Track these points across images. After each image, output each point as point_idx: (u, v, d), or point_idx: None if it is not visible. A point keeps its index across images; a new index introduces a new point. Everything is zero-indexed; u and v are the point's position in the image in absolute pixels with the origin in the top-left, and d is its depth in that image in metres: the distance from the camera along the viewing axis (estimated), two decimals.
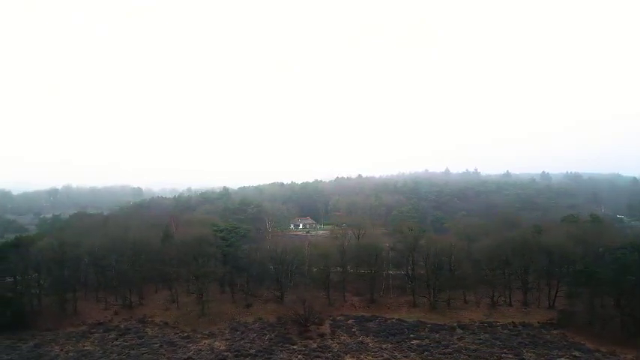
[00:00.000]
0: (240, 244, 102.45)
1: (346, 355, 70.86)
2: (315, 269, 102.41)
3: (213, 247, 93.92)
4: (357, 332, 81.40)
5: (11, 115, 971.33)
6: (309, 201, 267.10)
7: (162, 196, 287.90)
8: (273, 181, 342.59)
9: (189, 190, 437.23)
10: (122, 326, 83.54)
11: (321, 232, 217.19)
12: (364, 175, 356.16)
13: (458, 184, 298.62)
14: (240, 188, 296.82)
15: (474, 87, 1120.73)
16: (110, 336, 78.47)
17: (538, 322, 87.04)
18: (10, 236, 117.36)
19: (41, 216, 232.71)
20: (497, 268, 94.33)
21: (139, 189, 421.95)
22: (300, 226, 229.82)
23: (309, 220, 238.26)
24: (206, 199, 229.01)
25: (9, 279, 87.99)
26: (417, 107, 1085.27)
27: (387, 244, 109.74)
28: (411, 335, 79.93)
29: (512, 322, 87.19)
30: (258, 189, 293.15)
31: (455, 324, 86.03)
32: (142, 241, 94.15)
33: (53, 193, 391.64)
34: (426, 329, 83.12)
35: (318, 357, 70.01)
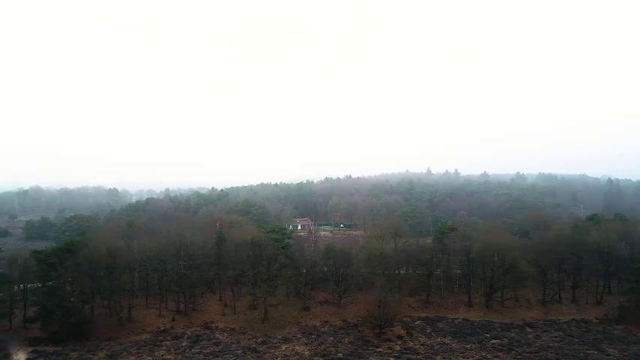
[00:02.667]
0: (291, 246, 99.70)
1: (436, 356, 70.08)
2: (363, 270, 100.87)
3: (270, 248, 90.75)
4: (432, 333, 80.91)
5: None
6: (304, 201, 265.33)
7: (153, 197, 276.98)
8: (261, 182, 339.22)
9: (167, 190, 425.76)
10: (188, 333, 79.52)
11: (322, 232, 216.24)
12: (352, 175, 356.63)
13: (449, 185, 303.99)
14: (231, 188, 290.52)
15: (456, 91, 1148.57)
16: (183, 344, 74.43)
17: (596, 319, 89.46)
18: None
19: (28, 219, 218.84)
20: (553, 266, 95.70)
21: (115, 190, 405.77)
22: (299, 227, 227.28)
23: (308, 221, 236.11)
24: (206, 200, 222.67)
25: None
26: (398, 110, 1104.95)
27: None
28: (486, 335, 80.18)
29: (573, 318, 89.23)
30: (252, 190, 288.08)
31: (520, 322, 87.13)
32: (196, 244, 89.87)
33: (22, 194, 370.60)
34: (497, 328, 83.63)
35: (411, 359, 68.97)
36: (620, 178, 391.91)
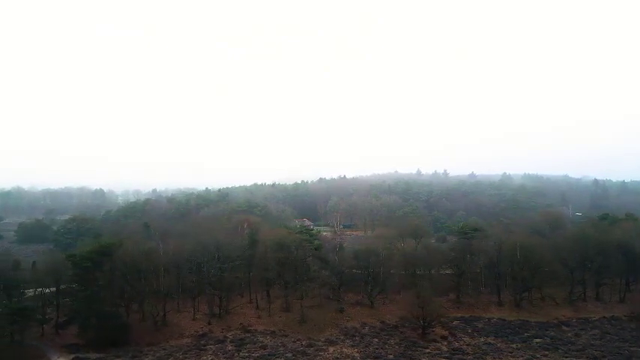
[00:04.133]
0: (322, 247, 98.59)
1: (486, 356, 70.03)
2: (393, 271, 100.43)
3: (303, 250, 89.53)
4: (473, 333, 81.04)
5: None
6: (301, 202, 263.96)
7: (150, 198, 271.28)
8: (254, 182, 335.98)
9: (154, 191, 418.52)
10: (230, 337, 77.66)
11: (324, 233, 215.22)
12: (346, 175, 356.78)
13: (443, 185, 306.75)
14: (224, 189, 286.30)
15: (456, 91, 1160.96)
16: (228, 348, 72.55)
17: (624, 316, 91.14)
18: None
19: (21, 222, 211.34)
20: (580, 264, 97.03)
21: (101, 190, 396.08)
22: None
23: (307, 222, 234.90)
24: (205, 200, 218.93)
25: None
26: (397, 110, 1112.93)
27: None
28: (526, 334, 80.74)
29: (604, 316, 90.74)
30: (248, 191, 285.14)
31: (555, 321, 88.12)
32: (231, 245, 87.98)
33: (4, 195, 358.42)
34: (535, 328, 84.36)
35: None
36: (619, 179, 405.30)
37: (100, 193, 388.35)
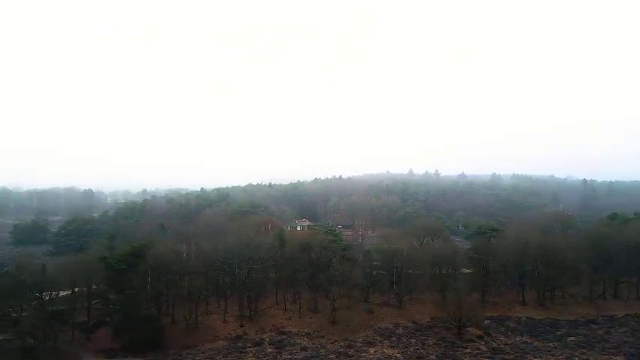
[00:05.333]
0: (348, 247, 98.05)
1: (527, 355, 70.43)
2: (420, 271, 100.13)
3: (332, 250, 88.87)
4: (508, 332, 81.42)
5: None
6: (299, 202, 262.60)
7: (147, 199, 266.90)
8: (249, 182, 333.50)
9: (144, 192, 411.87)
10: (266, 338, 76.46)
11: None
12: (342, 175, 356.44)
13: (438, 186, 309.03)
14: (223, 189, 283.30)
15: (456, 91, 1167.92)
16: (268, 350, 71.45)
17: None
18: None
19: (17, 223, 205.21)
20: (600, 263, 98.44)
21: (90, 191, 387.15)
22: (298, 228, 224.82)
23: (307, 222, 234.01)
24: (206, 201, 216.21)
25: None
26: (397, 110, 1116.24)
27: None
28: (558, 333, 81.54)
29: (627, 314, 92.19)
30: (246, 191, 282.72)
31: (582, 319, 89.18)
32: (259, 246, 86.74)
33: None
34: (564, 326, 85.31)
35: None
36: (619, 180, 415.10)
37: (89, 194, 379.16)
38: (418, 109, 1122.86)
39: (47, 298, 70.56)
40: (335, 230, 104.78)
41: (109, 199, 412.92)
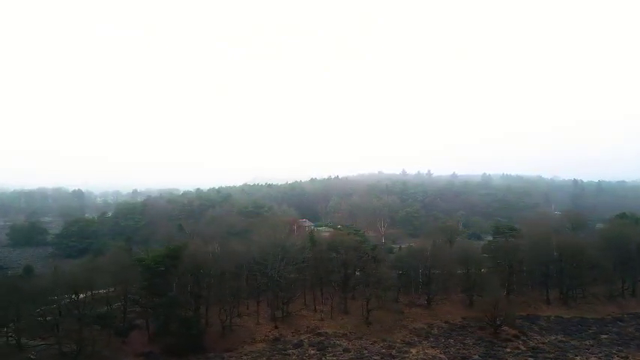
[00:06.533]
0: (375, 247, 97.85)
1: (567, 354, 71.12)
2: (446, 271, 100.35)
3: (362, 251, 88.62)
4: (542, 331, 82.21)
5: None
6: (298, 202, 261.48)
7: (147, 199, 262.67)
8: (244, 182, 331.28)
9: (134, 192, 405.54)
10: (305, 340, 75.74)
11: (324, 234, 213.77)
12: (339, 175, 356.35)
13: (435, 186, 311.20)
14: (221, 189, 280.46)
15: (455, 91, 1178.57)
16: (311, 352, 70.65)
17: None
18: None
19: (12, 224, 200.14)
20: (621, 262, 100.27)
21: (79, 191, 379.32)
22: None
23: (307, 222, 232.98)
24: (208, 201, 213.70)
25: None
26: (396, 110, 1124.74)
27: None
28: (590, 331, 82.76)
29: None
30: (244, 191, 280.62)
31: (609, 317, 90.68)
32: (292, 247, 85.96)
33: None
34: (594, 324, 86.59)
35: (547, 359, 69.49)
36: (621, 180, 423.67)
37: (78, 194, 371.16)
38: (411, 110, 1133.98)
39: (84, 302, 68.59)
40: (359, 231, 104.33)
41: (98, 199, 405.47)
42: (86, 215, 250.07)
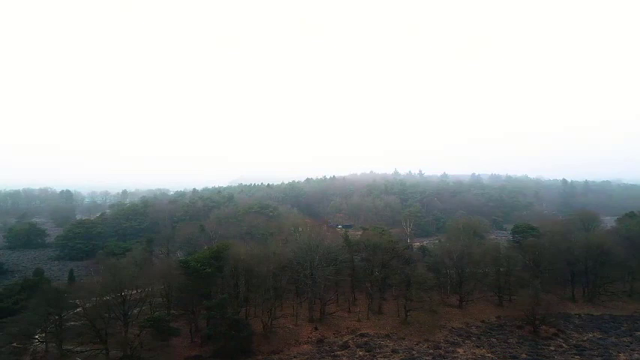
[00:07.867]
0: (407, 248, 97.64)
1: (610, 351, 72.03)
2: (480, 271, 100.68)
3: (397, 252, 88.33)
4: (578, 329, 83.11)
5: None
6: (297, 202, 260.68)
7: (147, 199, 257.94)
8: (240, 182, 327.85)
9: (124, 192, 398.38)
10: (349, 342, 74.90)
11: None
12: (335, 175, 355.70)
13: (430, 185, 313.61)
14: (219, 188, 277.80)
15: (454, 91, 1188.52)
16: (359, 353, 69.64)
17: None
18: None
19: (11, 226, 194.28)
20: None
21: (68, 192, 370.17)
22: (300, 228, 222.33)
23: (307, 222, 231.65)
24: (213, 202, 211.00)
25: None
26: (395, 110, 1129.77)
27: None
28: (623, 327, 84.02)
29: None
30: (243, 191, 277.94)
31: (636, 314, 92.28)
32: (330, 248, 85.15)
33: None
34: (624, 321, 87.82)
35: (593, 356, 70.28)
36: (603, 179, 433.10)
37: (67, 195, 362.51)
38: (399, 112, 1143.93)
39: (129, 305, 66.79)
40: (385, 231, 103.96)
41: (86, 200, 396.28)
42: (77, 216, 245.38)
